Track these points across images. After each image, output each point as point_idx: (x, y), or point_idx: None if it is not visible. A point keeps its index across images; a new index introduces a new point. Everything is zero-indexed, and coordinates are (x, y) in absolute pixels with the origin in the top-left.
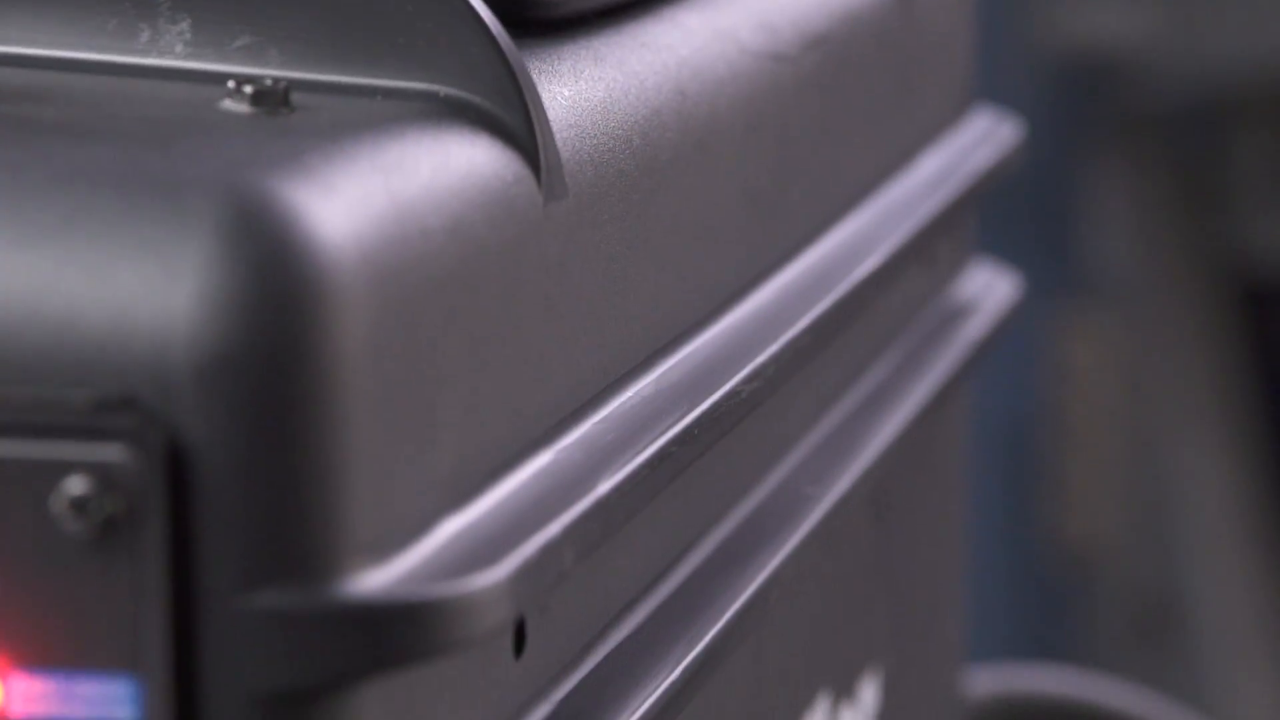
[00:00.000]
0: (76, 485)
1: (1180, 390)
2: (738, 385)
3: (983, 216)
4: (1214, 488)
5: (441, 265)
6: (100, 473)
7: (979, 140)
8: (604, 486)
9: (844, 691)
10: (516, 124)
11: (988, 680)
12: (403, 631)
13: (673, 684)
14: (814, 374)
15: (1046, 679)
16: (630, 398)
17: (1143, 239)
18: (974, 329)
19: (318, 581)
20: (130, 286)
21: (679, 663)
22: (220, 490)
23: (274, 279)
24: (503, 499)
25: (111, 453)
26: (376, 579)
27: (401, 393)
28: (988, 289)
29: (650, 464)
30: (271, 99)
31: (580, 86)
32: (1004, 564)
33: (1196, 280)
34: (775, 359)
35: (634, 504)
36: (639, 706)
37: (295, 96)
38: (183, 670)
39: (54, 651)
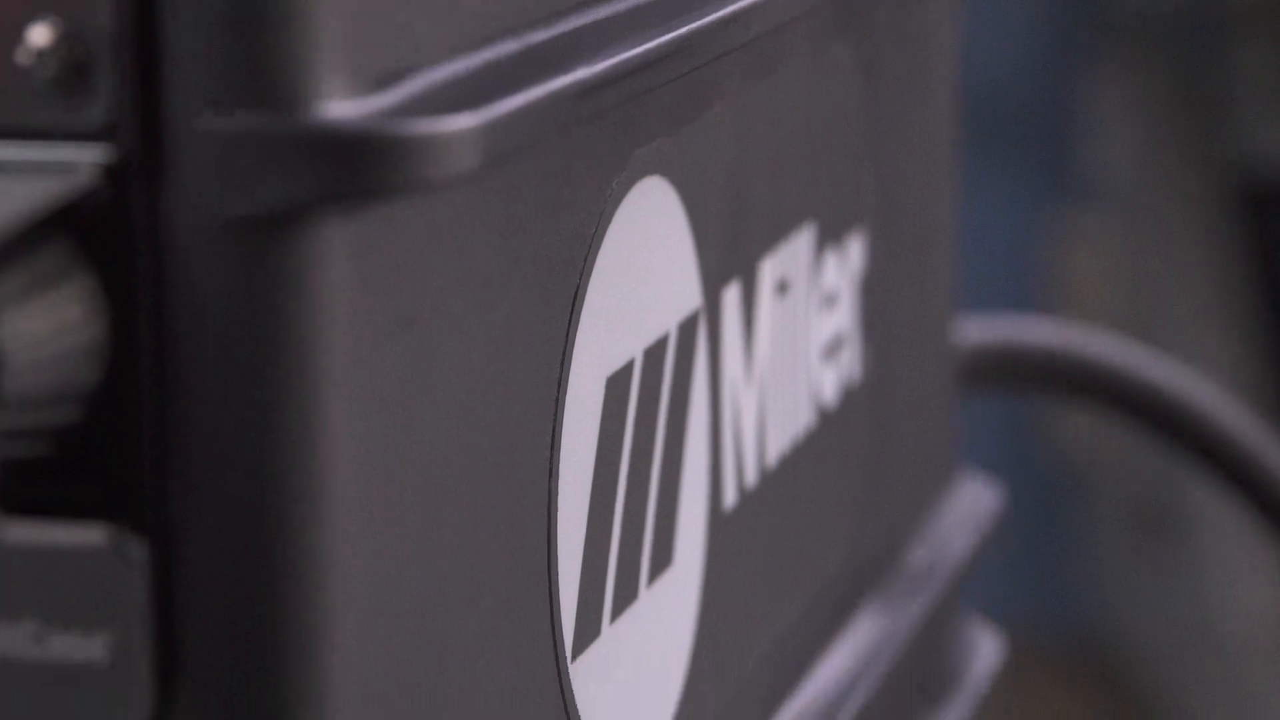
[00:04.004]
0: None
1: (1181, 297)
2: None
3: (982, 125)
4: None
5: None
6: None
7: None
8: None
9: (831, 235)
10: None
11: (976, 330)
12: None
13: (650, 63)
14: None
15: (1036, 329)
16: None
17: (1143, 145)
18: None
19: None
20: None
21: (658, 55)
22: None
23: None
24: None
25: None
26: None
27: None
28: None
29: None
30: None
31: None
32: (1004, 472)
33: (1197, 186)
34: None
35: None
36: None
37: None
38: None
39: None
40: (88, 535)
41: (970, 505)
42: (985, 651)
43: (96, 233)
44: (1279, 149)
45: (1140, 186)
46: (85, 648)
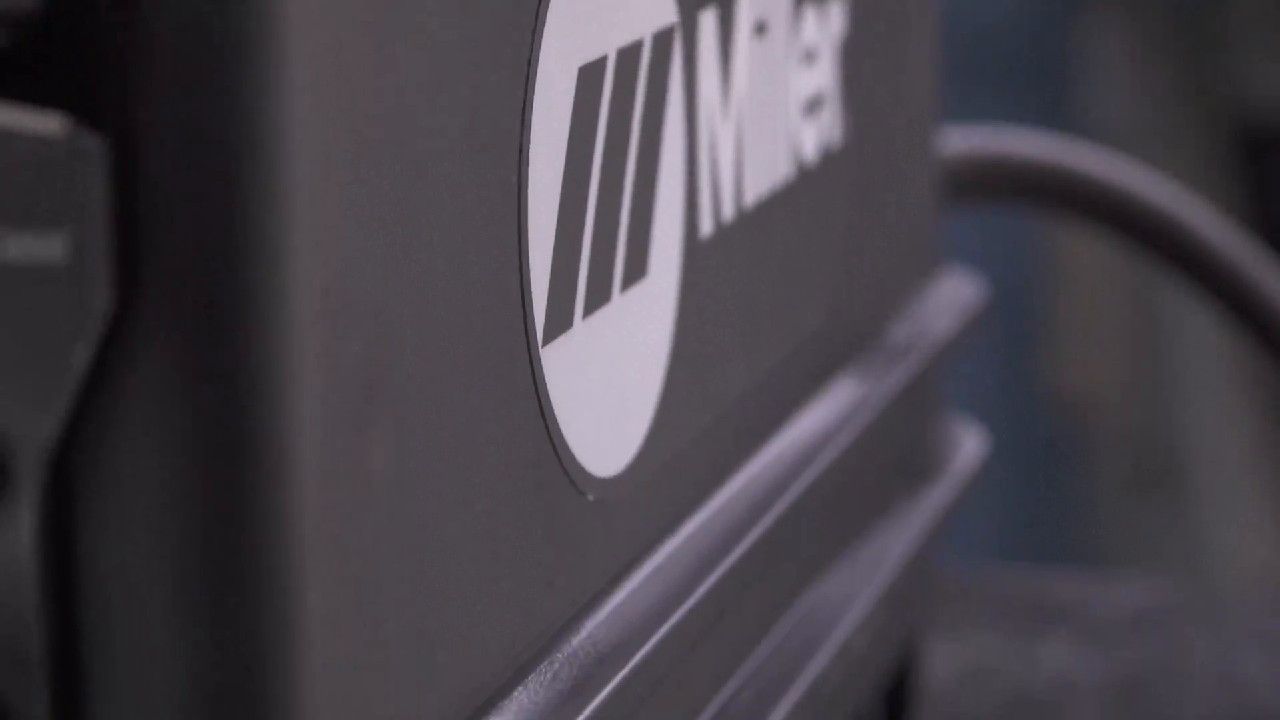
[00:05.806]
0: None
1: None
2: None
3: (978, 67)
4: (1211, 335)
5: None
6: None
7: None
8: None
9: None
10: None
11: (960, 140)
12: None
13: None
14: None
15: (1022, 141)
16: None
17: (1140, 87)
18: None
19: None
20: None
21: None
22: None
23: None
24: None
25: None
26: None
27: None
28: None
29: None
30: None
31: None
32: (1001, 416)
33: (1194, 128)
34: None
35: None
36: None
37: None
38: None
39: None
40: (43, 125)
41: (953, 292)
42: (969, 446)
43: None
44: (1276, 92)
45: (1137, 129)
46: (44, 247)
